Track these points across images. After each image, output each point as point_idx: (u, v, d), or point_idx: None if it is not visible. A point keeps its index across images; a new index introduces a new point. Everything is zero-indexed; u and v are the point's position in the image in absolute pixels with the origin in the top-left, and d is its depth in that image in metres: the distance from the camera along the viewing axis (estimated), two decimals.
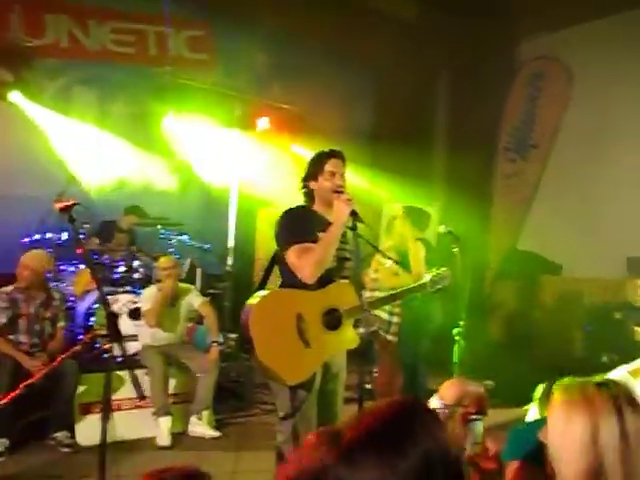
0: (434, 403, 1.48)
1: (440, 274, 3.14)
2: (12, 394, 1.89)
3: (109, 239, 6.07)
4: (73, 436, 4.17)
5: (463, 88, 8.33)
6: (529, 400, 5.59)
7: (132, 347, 4.72)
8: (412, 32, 7.67)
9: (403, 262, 4.24)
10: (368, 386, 4.79)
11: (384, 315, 4.61)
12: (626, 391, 1.30)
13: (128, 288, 5.55)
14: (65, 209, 2.42)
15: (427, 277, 3.15)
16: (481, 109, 7.98)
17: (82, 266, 5.63)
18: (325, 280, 2.74)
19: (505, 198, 8.57)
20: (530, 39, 8.20)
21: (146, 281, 5.70)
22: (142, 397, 2.12)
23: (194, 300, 4.93)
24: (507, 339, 7.80)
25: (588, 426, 1.25)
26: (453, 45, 7.83)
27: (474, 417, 1.47)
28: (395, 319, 4.61)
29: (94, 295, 5.37)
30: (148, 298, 4.75)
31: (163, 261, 4.89)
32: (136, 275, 5.72)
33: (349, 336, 2.80)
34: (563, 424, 1.28)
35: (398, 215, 4.81)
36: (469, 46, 7.61)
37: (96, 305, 5.32)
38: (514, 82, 8.50)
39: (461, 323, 3.50)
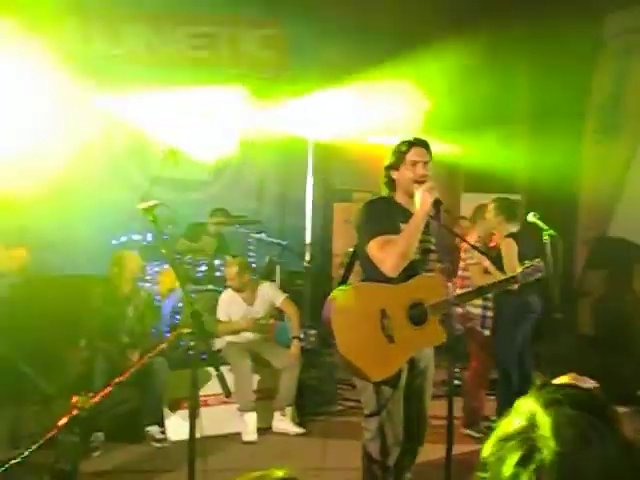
0: None
1: (532, 266, 2.96)
2: (103, 392, 1.93)
3: (196, 241, 6.19)
4: (164, 431, 4.29)
5: (545, 69, 7.93)
6: (625, 397, 5.27)
7: (216, 344, 4.81)
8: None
9: (493, 257, 4.05)
10: (457, 382, 4.65)
11: (477, 310, 4.45)
12: None
13: (210, 287, 5.65)
14: (148, 210, 2.47)
15: (518, 270, 2.98)
16: (565, 90, 7.57)
17: (167, 266, 5.79)
18: (409, 273, 2.64)
19: (593, 183, 8.11)
20: (616, 11, 7.69)
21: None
22: (229, 394, 2.11)
23: (275, 298, 4.95)
24: (599, 332, 7.38)
25: None
26: (533, 23, 7.46)
27: None
28: (489, 313, 4.46)
29: (179, 294, 5.51)
30: (223, 304, 4.84)
31: (228, 262, 4.95)
32: (218, 274, 5.81)
33: (436, 331, 2.69)
34: None
35: (489, 209, 4.57)
36: (550, 21, 7.22)
37: (181, 304, 5.46)
38: (600, 59, 8.01)
39: (558, 316, 3.28)
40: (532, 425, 0.82)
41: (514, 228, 4.43)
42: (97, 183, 6.68)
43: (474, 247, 3.55)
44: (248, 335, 4.80)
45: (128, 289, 4.51)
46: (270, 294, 4.95)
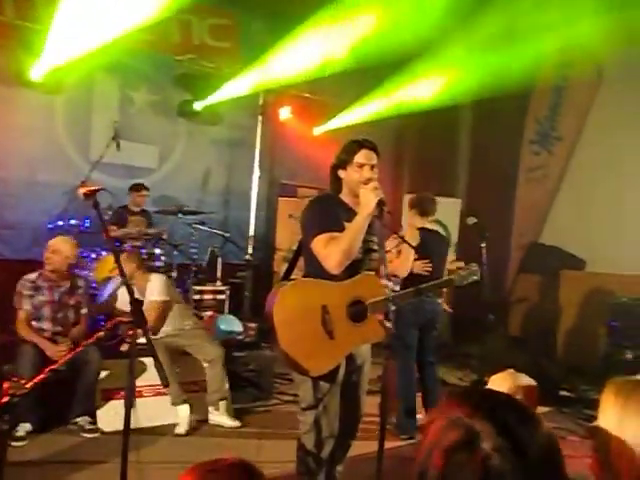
0: None
1: (468, 269, 3.06)
2: (37, 379, 1.88)
3: (124, 224, 6.07)
4: (95, 422, 4.19)
5: (488, 80, 8.19)
6: (549, 398, 5.50)
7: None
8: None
9: None
10: None
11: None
12: None
13: None
14: (89, 194, 2.40)
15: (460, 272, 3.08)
16: (506, 101, 7.84)
17: (104, 253, 5.66)
18: (351, 271, 2.69)
19: (529, 191, 8.45)
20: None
21: (167, 269, 5.71)
22: (167, 385, 2.10)
23: (150, 293, 4.60)
24: (527, 334, 7.72)
25: None
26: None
27: None
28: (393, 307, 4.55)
29: (115, 282, 5.38)
30: (121, 293, 4.65)
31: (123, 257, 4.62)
32: (158, 263, 5.73)
33: (374, 329, 2.74)
34: (618, 425, 1.22)
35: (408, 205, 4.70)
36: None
37: (117, 292, 5.34)
38: (540, 71, 8.33)
39: (490, 317, 3.42)
40: (472, 432, 0.82)
41: (426, 223, 4.53)
42: (36, 165, 6.44)
43: (412, 246, 3.64)
44: (166, 329, 4.63)
45: (63, 276, 4.37)
46: (149, 289, 4.63)
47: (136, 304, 2.07)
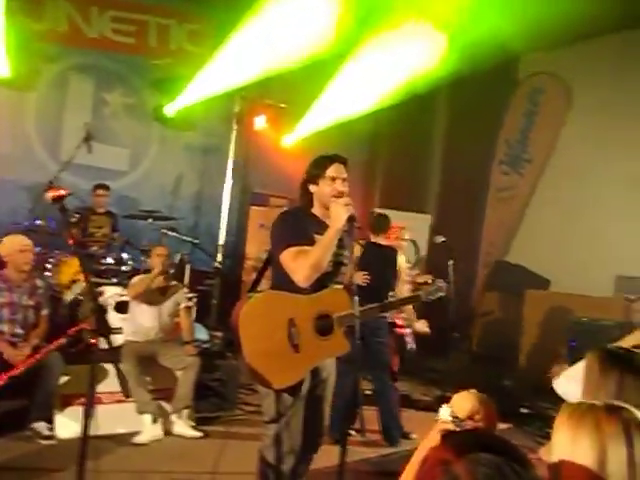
0: (444, 414, 1.43)
1: (435, 285, 3.11)
2: None
3: (87, 224, 5.95)
4: (52, 428, 4.09)
5: (461, 100, 8.35)
6: (509, 414, 5.57)
7: (117, 340, 4.65)
8: None
9: None
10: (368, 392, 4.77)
11: None
12: (637, 418, 1.25)
13: (115, 280, 5.48)
14: (58, 199, 2.36)
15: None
16: (478, 121, 7.99)
17: (69, 256, 5.55)
18: (320, 284, 2.70)
19: (497, 210, 8.61)
20: (529, 54, 8.23)
21: (134, 274, 5.62)
22: (128, 395, 2.07)
23: (182, 299, 4.89)
24: (491, 352, 7.81)
25: (595, 451, 1.20)
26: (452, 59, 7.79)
27: None
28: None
29: (80, 286, 5.29)
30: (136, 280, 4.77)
31: (159, 248, 4.86)
32: (124, 268, 5.65)
33: (340, 342, 2.76)
34: (570, 447, 1.24)
35: None
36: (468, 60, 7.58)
37: (81, 296, 5.26)
38: (513, 96, 8.54)
39: (455, 335, 3.47)
40: (449, 473, 0.84)
41: (377, 240, 4.73)
42: (2, 162, 6.31)
43: None
44: (146, 332, 4.68)
45: (25, 276, 4.27)
46: (178, 294, 4.86)
47: (100, 312, 2.04)
